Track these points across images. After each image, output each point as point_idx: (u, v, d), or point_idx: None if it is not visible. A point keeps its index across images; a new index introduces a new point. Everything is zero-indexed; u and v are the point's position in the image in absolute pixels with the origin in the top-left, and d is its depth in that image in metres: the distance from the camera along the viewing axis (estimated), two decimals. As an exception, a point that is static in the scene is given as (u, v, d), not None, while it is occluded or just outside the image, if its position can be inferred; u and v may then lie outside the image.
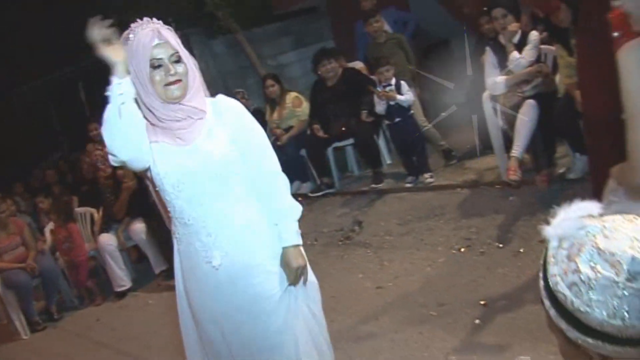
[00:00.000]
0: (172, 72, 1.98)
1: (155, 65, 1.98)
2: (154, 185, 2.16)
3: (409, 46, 6.08)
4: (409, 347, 3.15)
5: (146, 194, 5.57)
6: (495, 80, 4.38)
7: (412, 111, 5.39)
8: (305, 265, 2.22)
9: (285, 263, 2.18)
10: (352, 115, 5.82)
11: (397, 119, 5.34)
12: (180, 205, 2.10)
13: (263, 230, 2.17)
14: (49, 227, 6.11)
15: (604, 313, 0.90)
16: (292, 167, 5.60)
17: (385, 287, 3.96)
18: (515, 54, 4.24)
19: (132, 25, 2.01)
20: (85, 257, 5.78)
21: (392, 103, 5.28)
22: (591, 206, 0.95)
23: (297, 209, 2.22)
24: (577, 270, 0.92)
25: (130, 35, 1.99)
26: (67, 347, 4.94)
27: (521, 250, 3.76)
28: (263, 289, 2.16)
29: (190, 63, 2.06)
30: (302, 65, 8.83)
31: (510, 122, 4.30)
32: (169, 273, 5.72)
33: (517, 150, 4.14)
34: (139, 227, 5.69)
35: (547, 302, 0.98)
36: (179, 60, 2.01)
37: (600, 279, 0.89)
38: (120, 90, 1.93)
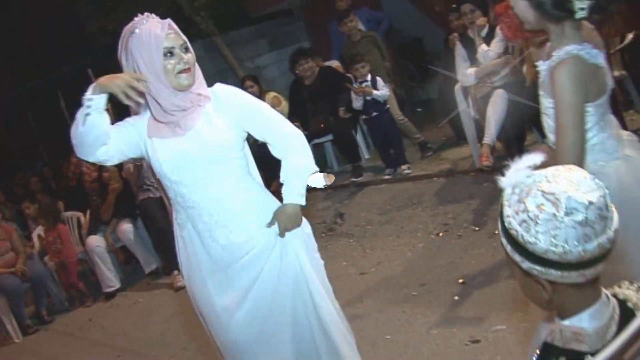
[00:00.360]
0: (185, 59, 2.05)
1: (169, 53, 2.04)
2: (154, 173, 2.25)
3: (383, 44, 6.28)
4: (393, 324, 3.34)
5: (132, 195, 5.74)
6: (466, 73, 4.60)
7: (387, 106, 5.59)
8: (297, 226, 2.26)
9: (276, 215, 2.22)
10: (330, 112, 6.02)
11: (374, 114, 5.54)
12: (180, 190, 2.16)
13: (262, 209, 2.23)
14: (37, 232, 6.21)
15: (548, 243, 1.08)
16: (273, 164, 5.76)
17: (368, 272, 4.15)
18: (483, 47, 4.46)
19: (136, 19, 2.07)
20: (75, 257, 5.89)
21: (368, 98, 5.48)
22: (534, 157, 1.15)
23: (308, 169, 2.25)
24: (525, 210, 1.11)
25: (137, 30, 2.03)
26: (61, 348, 5.05)
27: (496, 232, 3.92)
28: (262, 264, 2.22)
29: (194, 53, 2.13)
30: (278, 66, 9.00)
31: (482, 111, 4.52)
32: (159, 272, 5.87)
33: (489, 137, 4.36)
34: (126, 228, 5.80)
35: (504, 240, 1.17)
36: (187, 49, 2.08)
37: (544, 215, 1.08)
38: (89, 103, 2.03)
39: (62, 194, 7.15)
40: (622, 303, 1.19)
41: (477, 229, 4.11)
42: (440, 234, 4.28)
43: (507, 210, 1.14)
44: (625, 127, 2.64)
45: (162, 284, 5.57)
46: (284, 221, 2.23)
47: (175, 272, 5.22)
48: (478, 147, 4.69)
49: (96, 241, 5.81)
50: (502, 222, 1.15)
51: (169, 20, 2.08)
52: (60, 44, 8.64)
